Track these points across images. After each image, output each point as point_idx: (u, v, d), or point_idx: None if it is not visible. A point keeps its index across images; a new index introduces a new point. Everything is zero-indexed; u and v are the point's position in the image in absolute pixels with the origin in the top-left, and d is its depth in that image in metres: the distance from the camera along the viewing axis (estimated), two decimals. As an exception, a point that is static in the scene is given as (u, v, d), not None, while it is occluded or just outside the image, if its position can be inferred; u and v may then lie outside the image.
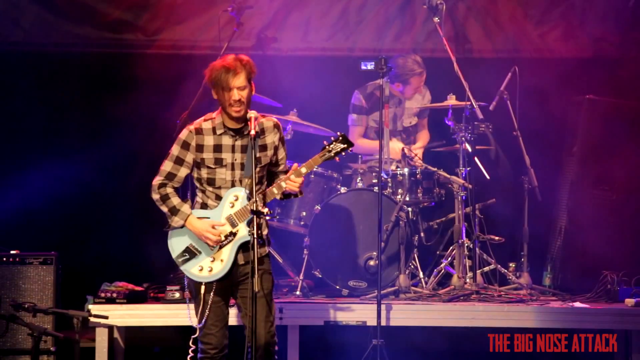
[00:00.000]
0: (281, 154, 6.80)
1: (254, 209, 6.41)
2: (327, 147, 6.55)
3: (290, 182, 6.55)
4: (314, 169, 7.17)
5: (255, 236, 6.35)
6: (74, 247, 9.39)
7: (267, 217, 6.60)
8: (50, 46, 9.90)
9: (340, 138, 6.54)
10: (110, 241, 9.82)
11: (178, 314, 8.23)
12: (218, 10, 9.63)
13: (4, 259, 8.36)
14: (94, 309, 8.11)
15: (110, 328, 8.26)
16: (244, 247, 6.64)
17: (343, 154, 6.58)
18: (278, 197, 6.70)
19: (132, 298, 8.32)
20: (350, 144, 6.55)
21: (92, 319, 7.98)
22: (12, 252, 8.41)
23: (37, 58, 9.86)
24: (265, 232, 6.72)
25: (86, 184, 9.81)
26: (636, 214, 9.29)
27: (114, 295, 8.29)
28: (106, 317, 8.03)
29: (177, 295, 8.39)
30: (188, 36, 9.99)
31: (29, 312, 7.57)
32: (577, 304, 8.47)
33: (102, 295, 8.30)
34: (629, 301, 8.41)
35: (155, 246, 9.52)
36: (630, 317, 8.29)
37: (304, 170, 6.55)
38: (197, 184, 6.76)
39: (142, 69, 9.81)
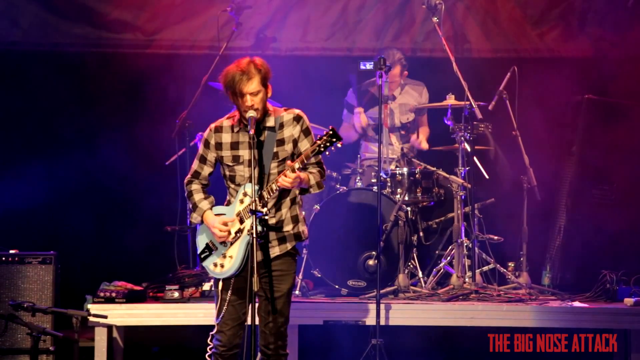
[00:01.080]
0: (304, 145, 6.67)
1: (253, 208, 6.42)
2: (317, 142, 6.53)
3: (283, 178, 6.51)
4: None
5: (255, 235, 6.36)
6: (73, 247, 9.39)
7: (266, 217, 6.58)
8: (49, 46, 9.91)
9: (331, 132, 6.51)
10: (110, 241, 9.81)
11: (177, 314, 8.23)
12: (217, 10, 9.63)
13: (3, 258, 8.34)
14: (93, 308, 8.10)
15: (110, 327, 8.25)
16: (260, 244, 6.61)
17: (332, 148, 6.54)
18: (296, 192, 6.69)
19: (131, 297, 8.31)
20: (339, 138, 6.52)
21: (91, 319, 7.96)
22: (11, 251, 8.39)
23: (36, 58, 9.86)
24: (288, 227, 6.70)
25: (85, 183, 9.81)
26: (635, 213, 9.30)
27: (113, 294, 8.28)
28: (105, 317, 8.02)
29: (176, 294, 8.39)
30: (187, 36, 10.00)
31: (28, 311, 7.56)
32: (576, 304, 8.46)
33: (101, 294, 8.30)
34: (628, 300, 8.40)
35: (155, 245, 9.60)
36: (629, 316, 8.27)
37: (297, 165, 6.51)
38: (225, 182, 6.78)
39: (141, 68, 9.81)
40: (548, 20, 10.07)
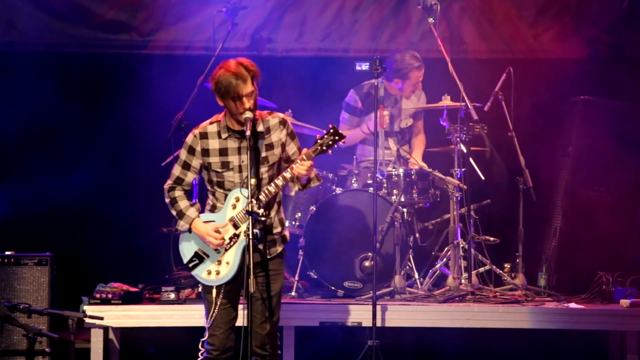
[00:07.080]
0: (292, 149, 6.73)
1: (249, 209, 6.41)
2: (318, 141, 6.54)
3: (297, 166, 6.48)
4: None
5: (250, 237, 6.35)
6: (69, 248, 9.37)
7: (262, 218, 6.58)
8: (45, 47, 9.90)
9: (332, 131, 6.52)
10: (106, 242, 9.80)
11: (173, 315, 8.23)
12: (212, 10, 9.60)
13: (-1, 259, 8.35)
14: (89, 309, 8.09)
15: (106, 329, 8.26)
16: (256, 245, 6.60)
17: (335, 146, 6.55)
18: (296, 188, 6.70)
19: (127, 299, 8.31)
20: (342, 136, 6.52)
21: (87, 320, 7.97)
22: (6, 252, 8.38)
23: (32, 58, 9.84)
24: (277, 230, 6.71)
25: (81, 184, 9.79)
26: (631, 214, 9.30)
27: (109, 296, 8.28)
28: (101, 318, 8.01)
29: (172, 296, 8.39)
30: (183, 37, 10.00)
31: (24, 313, 7.53)
32: (572, 305, 8.46)
33: (97, 296, 8.30)
34: (624, 302, 8.40)
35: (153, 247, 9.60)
36: (625, 317, 8.27)
37: (297, 166, 6.54)
38: (208, 186, 6.74)
39: (136, 69, 9.80)
40: (543, 21, 10.08)
